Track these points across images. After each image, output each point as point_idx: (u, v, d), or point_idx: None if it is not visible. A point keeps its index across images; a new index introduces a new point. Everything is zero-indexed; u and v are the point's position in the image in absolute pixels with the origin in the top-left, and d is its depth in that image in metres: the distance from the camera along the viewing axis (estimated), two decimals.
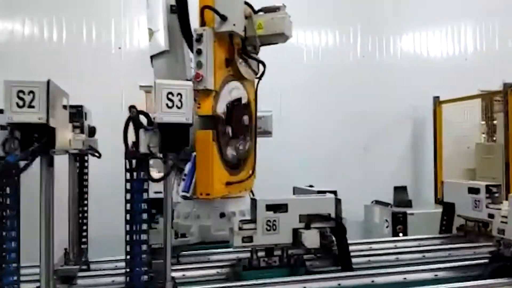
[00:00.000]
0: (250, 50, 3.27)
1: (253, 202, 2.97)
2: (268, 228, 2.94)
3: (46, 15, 6.17)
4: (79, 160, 3.25)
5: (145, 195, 2.29)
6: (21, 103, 1.89)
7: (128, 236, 2.29)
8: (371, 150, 7.19)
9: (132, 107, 2.23)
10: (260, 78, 3.42)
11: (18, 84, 1.92)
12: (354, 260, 3.18)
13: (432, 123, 6.92)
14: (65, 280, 2.84)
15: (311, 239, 2.95)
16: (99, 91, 5.75)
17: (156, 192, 3.54)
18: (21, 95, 1.90)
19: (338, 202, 3.10)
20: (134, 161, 2.25)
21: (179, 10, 3.16)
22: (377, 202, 6.44)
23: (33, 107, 1.90)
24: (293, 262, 3.02)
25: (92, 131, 3.29)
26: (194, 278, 3.07)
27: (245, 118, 3.24)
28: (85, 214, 3.37)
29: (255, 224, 2.93)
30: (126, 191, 2.27)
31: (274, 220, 2.95)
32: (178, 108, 2.03)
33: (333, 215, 3.07)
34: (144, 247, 2.31)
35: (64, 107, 2.35)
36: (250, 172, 3.38)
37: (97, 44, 6.32)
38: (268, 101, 6.50)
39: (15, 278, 2.07)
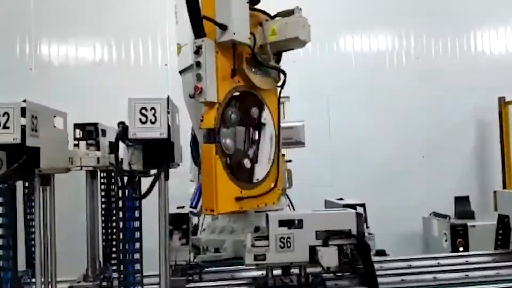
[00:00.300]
0: (266, 57, 3.13)
1: (266, 217, 2.82)
2: (282, 245, 2.77)
3: (97, 39, 6.46)
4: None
5: (137, 213, 2.22)
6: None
7: (121, 255, 2.24)
8: (431, 157, 6.72)
9: (120, 123, 2.19)
10: (281, 86, 3.26)
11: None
12: (383, 280, 2.92)
13: (497, 126, 6.34)
14: None
15: (329, 257, 2.74)
16: None
17: (179, 207, 3.54)
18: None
19: (359, 217, 2.85)
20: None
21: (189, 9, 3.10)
22: (435, 214, 5.97)
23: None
24: (312, 282, 2.82)
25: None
26: None
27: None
28: (109, 231, 3.40)
29: (268, 241, 2.77)
30: (119, 208, 2.23)
31: (289, 237, 2.78)
32: (152, 123, 1.96)
33: (354, 231, 2.82)
34: (137, 266, 2.25)
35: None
36: (273, 185, 3.20)
37: (144, 62, 6.50)
38: (315, 108, 6.47)
39: None
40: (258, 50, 3.09)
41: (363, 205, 3.35)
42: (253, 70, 3.06)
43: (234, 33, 2.69)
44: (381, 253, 3.82)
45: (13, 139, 1.86)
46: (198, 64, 2.60)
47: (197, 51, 2.62)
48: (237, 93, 2.98)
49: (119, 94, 5.86)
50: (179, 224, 3.26)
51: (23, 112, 1.89)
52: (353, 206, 3.23)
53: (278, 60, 3.34)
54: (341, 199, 3.59)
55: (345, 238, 2.80)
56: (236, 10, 2.74)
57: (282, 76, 3.26)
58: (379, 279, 2.86)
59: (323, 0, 6.42)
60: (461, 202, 5.88)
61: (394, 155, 6.60)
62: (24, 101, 1.90)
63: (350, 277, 2.92)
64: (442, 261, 3.46)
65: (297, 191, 4.07)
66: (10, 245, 2.11)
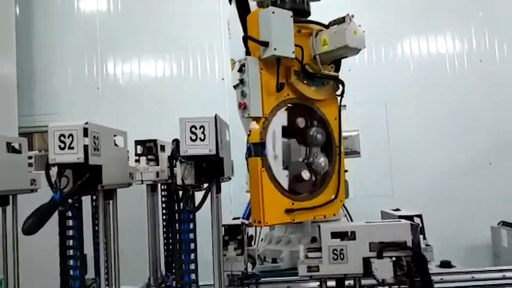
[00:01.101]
0: (319, 68, 3.10)
1: (318, 228, 2.84)
2: (335, 257, 2.77)
3: (158, 56, 6.78)
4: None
5: (191, 225, 2.33)
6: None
7: (177, 266, 2.36)
8: (498, 164, 6.40)
9: (174, 140, 2.32)
10: (340, 95, 3.23)
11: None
12: None
13: None
14: None
15: (383, 269, 2.70)
16: None
17: (234, 218, 3.64)
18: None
19: (414, 228, 2.79)
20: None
21: (240, 17, 3.19)
22: (504, 223, 5.67)
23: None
24: None
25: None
26: None
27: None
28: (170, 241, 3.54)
29: (321, 252, 2.79)
30: (175, 221, 2.35)
31: (342, 249, 2.78)
32: (202, 140, 2.07)
33: (410, 242, 2.77)
34: (193, 276, 2.35)
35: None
36: (333, 196, 3.16)
37: (202, 76, 6.73)
38: (373, 116, 6.37)
39: None
40: (311, 61, 3.11)
41: (420, 216, 3.26)
42: (305, 82, 3.08)
43: (275, 49, 2.74)
44: (446, 264, 3.70)
45: (77, 159, 2.02)
46: (241, 81, 2.70)
47: (240, 69, 2.72)
48: (286, 106, 3.01)
49: (180, 108, 6.18)
50: (234, 234, 3.36)
51: (85, 133, 2.06)
52: (409, 217, 3.15)
53: (337, 69, 3.32)
54: (397, 209, 3.51)
55: (400, 250, 2.76)
56: (277, 26, 2.79)
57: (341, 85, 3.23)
58: None
59: (379, 5, 6.35)
60: None
61: (458, 162, 6.37)
62: (86, 123, 2.07)
63: None
64: (508, 274, 3.31)
65: (355, 201, 4.05)
66: (77, 255, 2.27)
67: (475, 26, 6.63)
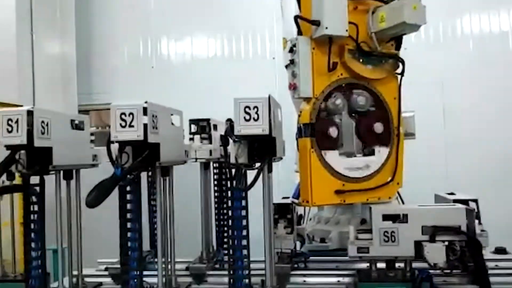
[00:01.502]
0: (376, 46, 2.98)
1: (369, 210, 2.83)
2: (386, 239, 2.76)
3: (210, 36, 6.86)
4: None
5: (243, 203, 2.38)
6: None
7: (230, 241, 2.43)
8: None
9: (228, 120, 2.37)
10: (401, 74, 3.11)
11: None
12: (496, 279, 2.77)
13: None
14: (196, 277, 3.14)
15: (435, 253, 2.68)
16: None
17: (284, 198, 3.68)
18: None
19: (469, 213, 2.73)
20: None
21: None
22: None
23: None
24: (417, 277, 2.78)
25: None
26: (313, 285, 3.07)
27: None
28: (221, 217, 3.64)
29: (371, 234, 2.79)
30: (228, 198, 2.42)
31: (393, 231, 2.76)
32: (255, 120, 2.10)
33: (464, 227, 2.71)
34: (244, 251, 2.42)
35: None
36: (389, 178, 3.06)
37: (253, 56, 6.75)
38: (430, 97, 6.14)
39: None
40: (368, 39, 3.00)
41: (475, 201, 3.17)
42: (361, 60, 3.00)
43: (326, 28, 2.70)
44: (501, 251, 3.60)
45: (137, 136, 2.12)
46: (292, 62, 2.71)
47: (291, 49, 2.72)
48: (340, 85, 2.95)
49: (231, 87, 6.25)
50: (284, 213, 3.41)
51: (145, 112, 2.14)
52: (465, 202, 3.07)
53: (398, 47, 3.18)
54: (452, 193, 3.42)
55: (454, 234, 2.71)
56: (329, 4, 2.74)
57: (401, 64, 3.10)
58: (492, 278, 2.74)
59: None
60: None
61: None
62: (146, 102, 2.15)
63: (460, 275, 2.82)
64: None
65: (408, 185, 3.96)
66: (136, 228, 2.39)
67: None
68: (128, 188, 2.34)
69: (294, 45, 2.73)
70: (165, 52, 6.95)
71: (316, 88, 2.82)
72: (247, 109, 2.11)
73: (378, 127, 3.03)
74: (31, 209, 2.43)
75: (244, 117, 2.12)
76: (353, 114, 3.01)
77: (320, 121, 2.84)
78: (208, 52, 6.90)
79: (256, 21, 6.73)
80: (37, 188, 2.43)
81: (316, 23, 2.75)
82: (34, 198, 2.43)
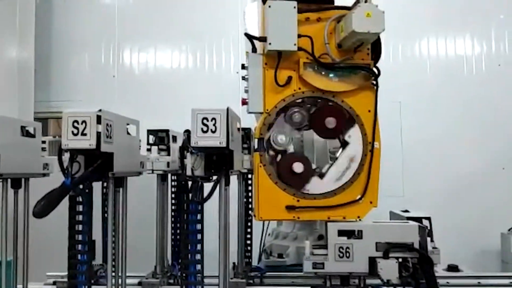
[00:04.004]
0: (334, 58, 2.87)
1: (325, 226, 2.84)
2: (341, 255, 2.78)
3: (174, 47, 6.81)
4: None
5: (199, 216, 2.35)
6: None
7: (183, 256, 2.38)
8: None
9: (185, 131, 2.34)
10: (375, 85, 2.94)
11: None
12: None
13: None
14: None
15: (389, 269, 2.71)
16: None
17: None
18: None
19: (422, 230, 2.78)
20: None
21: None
22: None
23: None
24: None
25: None
26: None
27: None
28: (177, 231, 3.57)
29: (327, 249, 2.79)
30: (183, 211, 2.37)
31: (348, 247, 2.78)
32: (213, 132, 2.08)
33: (417, 244, 2.76)
34: (198, 266, 2.37)
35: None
36: (358, 196, 2.91)
37: (217, 69, 6.74)
38: (387, 115, 6.23)
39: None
40: (334, 50, 2.89)
41: (428, 218, 3.25)
42: (323, 73, 2.91)
43: (270, 43, 2.70)
44: (453, 268, 3.69)
45: (90, 145, 2.06)
46: (243, 78, 2.72)
47: (243, 66, 2.73)
48: (299, 99, 2.91)
49: (193, 99, 6.18)
50: None
51: (99, 120, 2.09)
52: (418, 219, 3.14)
53: (376, 57, 3.02)
54: (406, 211, 3.50)
55: (407, 251, 2.75)
56: (273, 20, 2.73)
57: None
58: None
59: (396, 1, 6.27)
60: None
61: (471, 166, 6.26)
62: (100, 110, 2.09)
63: None
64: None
65: None
66: (86, 240, 2.31)
67: (495, 29, 6.52)
68: (79, 199, 2.26)
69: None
70: (128, 61, 6.84)
71: (267, 103, 2.80)
72: (204, 121, 2.09)
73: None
74: None
75: (202, 129, 2.10)
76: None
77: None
78: (172, 64, 6.84)
79: (221, 34, 6.73)
80: None
81: (262, 39, 2.75)
82: None
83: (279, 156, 2.87)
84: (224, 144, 2.10)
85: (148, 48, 6.85)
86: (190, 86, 6.57)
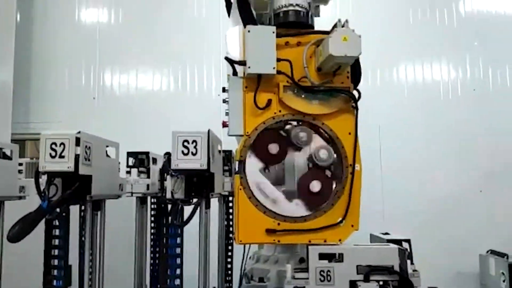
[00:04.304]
0: (313, 81, 2.92)
1: (306, 249, 2.83)
2: (322, 278, 2.77)
3: (155, 69, 6.81)
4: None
5: (178, 240, 2.32)
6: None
7: (162, 281, 2.34)
8: (489, 192, 6.41)
9: (166, 154, 2.32)
10: (355, 108, 2.97)
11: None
12: None
13: None
14: None
15: None
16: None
17: None
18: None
19: (402, 253, 2.80)
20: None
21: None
22: (493, 252, 5.67)
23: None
24: None
25: None
26: None
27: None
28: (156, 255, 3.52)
29: (308, 273, 2.78)
30: (162, 234, 2.34)
31: (329, 270, 2.77)
32: (193, 154, 2.08)
33: (397, 267, 2.77)
34: None
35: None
36: (339, 219, 2.90)
37: (199, 91, 6.75)
38: (366, 139, 6.30)
39: None
40: (314, 73, 2.94)
41: (408, 241, 3.27)
42: (303, 96, 2.95)
43: (249, 67, 2.74)
44: None
45: (67, 168, 2.03)
46: (224, 101, 2.73)
47: (223, 89, 2.74)
48: (279, 122, 2.92)
49: (174, 122, 6.18)
50: None
51: (77, 142, 2.06)
52: (398, 242, 3.16)
53: (355, 80, 3.08)
54: (386, 233, 3.51)
55: (388, 274, 2.76)
56: (252, 44, 2.78)
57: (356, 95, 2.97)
58: None
59: (375, 28, 6.43)
60: None
61: (449, 188, 6.37)
62: (79, 132, 2.07)
63: None
64: None
65: None
66: (62, 266, 2.25)
67: (470, 56, 6.72)
68: (55, 223, 2.21)
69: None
70: (108, 83, 6.81)
71: (247, 126, 2.81)
72: (185, 143, 2.09)
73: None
74: None
75: (182, 151, 2.10)
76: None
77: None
78: (153, 86, 6.83)
79: (202, 57, 6.78)
80: None
81: (242, 63, 2.78)
82: None
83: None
84: (205, 167, 2.10)
85: (129, 70, 6.84)
86: (171, 108, 6.57)
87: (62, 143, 2.02)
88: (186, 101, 6.70)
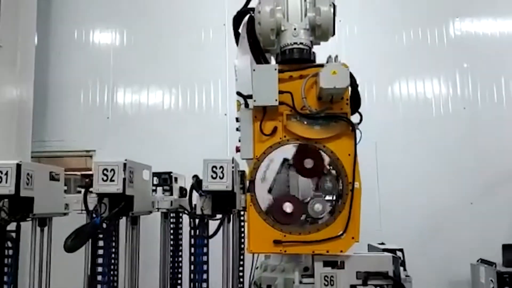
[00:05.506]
0: (312, 109, 3.23)
1: (312, 257, 3.23)
2: (326, 283, 3.16)
3: (165, 89, 7.24)
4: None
5: (205, 249, 2.72)
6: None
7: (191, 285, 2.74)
8: (479, 204, 6.81)
9: (194, 176, 2.74)
10: (353, 131, 3.30)
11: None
12: None
13: None
14: None
15: None
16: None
17: None
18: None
19: (395, 260, 3.20)
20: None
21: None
22: (483, 261, 6.06)
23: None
24: None
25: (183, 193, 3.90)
26: None
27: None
28: (179, 270, 3.90)
29: (314, 278, 3.17)
30: (191, 246, 2.75)
31: (332, 276, 3.16)
32: (221, 178, 2.50)
33: (391, 273, 3.17)
34: None
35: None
36: (340, 232, 3.18)
37: (206, 111, 7.17)
38: (363, 154, 6.66)
39: None
40: (314, 102, 3.26)
41: (401, 250, 3.67)
42: (306, 122, 3.29)
43: (254, 100, 3.14)
44: None
45: (117, 189, 2.44)
46: (237, 129, 3.14)
47: (236, 119, 3.15)
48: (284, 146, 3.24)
49: (184, 140, 6.60)
50: None
51: (124, 167, 2.48)
52: (392, 251, 3.55)
53: (356, 106, 3.43)
54: (382, 243, 3.91)
55: (383, 279, 3.16)
56: (257, 81, 3.16)
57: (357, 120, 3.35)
58: None
59: (370, 46, 6.86)
60: (509, 250, 5.94)
61: (442, 201, 6.70)
62: (126, 160, 2.49)
63: None
64: None
65: None
66: (106, 272, 2.65)
67: (460, 76, 7.14)
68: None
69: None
70: (121, 103, 7.22)
71: (257, 150, 3.14)
72: (214, 168, 2.50)
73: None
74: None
75: (211, 175, 2.50)
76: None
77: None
78: (163, 105, 7.23)
79: (210, 78, 7.19)
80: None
81: (250, 97, 3.18)
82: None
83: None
84: (230, 188, 2.51)
85: (141, 90, 7.26)
86: (181, 127, 6.96)
87: (112, 169, 2.44)
88: (194, 120, 7.09)
